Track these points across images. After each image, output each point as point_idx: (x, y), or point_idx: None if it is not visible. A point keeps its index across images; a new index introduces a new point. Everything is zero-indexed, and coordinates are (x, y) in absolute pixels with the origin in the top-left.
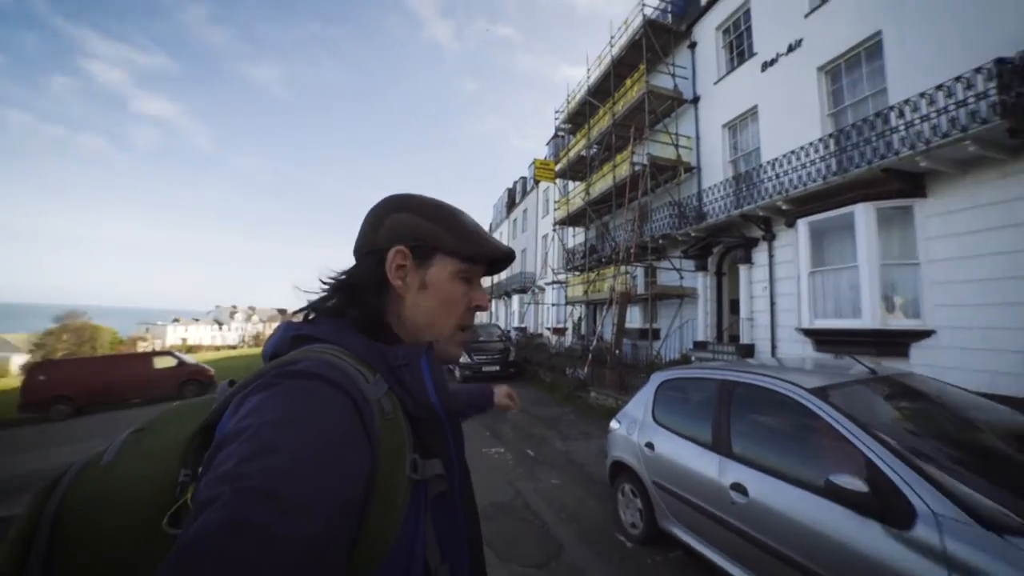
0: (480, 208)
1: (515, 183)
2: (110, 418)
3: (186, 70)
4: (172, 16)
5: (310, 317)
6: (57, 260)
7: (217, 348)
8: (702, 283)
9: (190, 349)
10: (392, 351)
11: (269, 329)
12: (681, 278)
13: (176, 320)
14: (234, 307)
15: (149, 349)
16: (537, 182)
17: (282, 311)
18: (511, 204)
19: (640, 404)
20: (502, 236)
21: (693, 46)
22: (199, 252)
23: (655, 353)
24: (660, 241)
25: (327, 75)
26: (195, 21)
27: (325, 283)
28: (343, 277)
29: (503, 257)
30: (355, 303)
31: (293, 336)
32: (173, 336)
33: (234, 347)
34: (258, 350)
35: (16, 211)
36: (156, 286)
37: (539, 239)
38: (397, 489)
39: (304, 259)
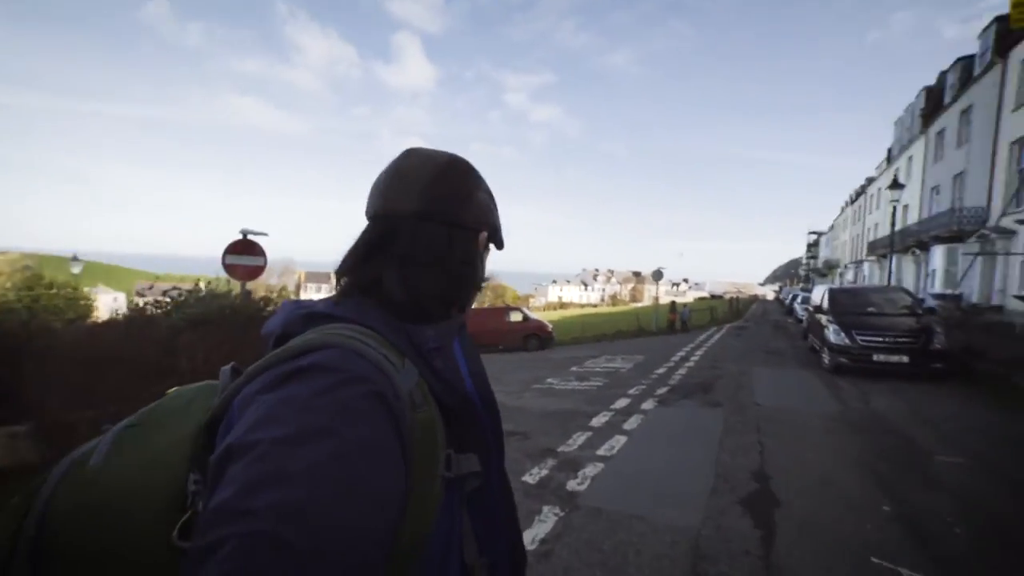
0: (872, 130)
1: (941, 75)
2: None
3: (563, 79)
4: (551, 37)
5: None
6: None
7: (581, 306)
8: None
9: (562, 306)
10: (421, 332)
11: (625, 290)
12: None
13: (554, 282)
14: (596, 270)
15: (523, 304)
16: (1004, 52)
17: (636, 273)
18: (932, 110)
19: None
20: (913, 161)
21: None
22: (563, 226)
23: None
24: None
25: (673, 36)
26: (565, 35)
27: (360, 247)
28: (403, 243)
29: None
30: (423, 278)
31: (304, 315)
32: (552, 294)
33: (595, 305)
34: (614, 309)
35: None
36: (541, 254)
37: (999, 149)
38: (431, 491)
39: (650, 225)
